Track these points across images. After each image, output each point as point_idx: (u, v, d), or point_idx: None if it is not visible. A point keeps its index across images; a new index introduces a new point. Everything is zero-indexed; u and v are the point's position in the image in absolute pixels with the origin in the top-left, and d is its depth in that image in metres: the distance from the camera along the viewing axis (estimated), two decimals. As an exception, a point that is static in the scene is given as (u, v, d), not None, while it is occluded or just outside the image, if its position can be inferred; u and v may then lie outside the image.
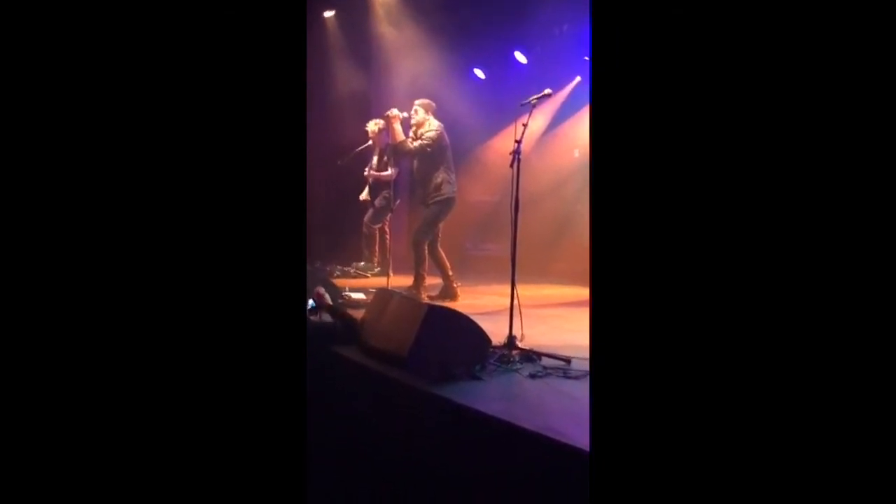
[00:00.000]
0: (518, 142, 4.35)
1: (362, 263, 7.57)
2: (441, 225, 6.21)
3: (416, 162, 6.19)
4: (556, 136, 8.82)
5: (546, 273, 7.81)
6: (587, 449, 2.53)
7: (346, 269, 7.41)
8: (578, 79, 8.23)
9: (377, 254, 7.62)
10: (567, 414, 3.03)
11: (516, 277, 4.31)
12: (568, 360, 3.90)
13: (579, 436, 2.65)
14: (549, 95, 4.67)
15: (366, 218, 7.62)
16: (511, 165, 4.34)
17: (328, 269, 7.24)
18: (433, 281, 6.35)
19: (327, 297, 5.06)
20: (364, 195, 7.57)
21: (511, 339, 4.08)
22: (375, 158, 7.41)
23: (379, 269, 7.39)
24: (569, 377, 3.67)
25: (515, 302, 4.19)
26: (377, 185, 7.40)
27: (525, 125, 4.40)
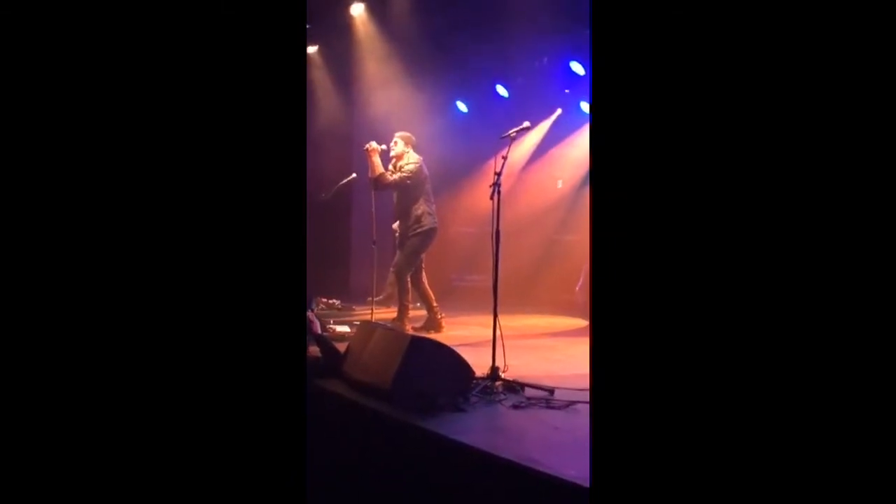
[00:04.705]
0: (498, 174, 4.39)
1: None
2: (423, 256, 6.23)
3: (396, 195, 6.23)
4: (539, 168, 8.91)
5: (530, 303, 7.84)
6: (568, 479, 2.55)
7: (330, 301, 7.39)
8: (559, 111, 8.33)
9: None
10: (549, 444, 3.03)
11: (500, 308, 4.32)
12: (551, 391, 3.90)
13: (560, 466, 2.65)
14: (527, 129, 4.73)
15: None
16: (491, 197, 4.38)
17: (312, 303, 7.19)
18: (418, 313, 6.35)
19: (317, 323, 5.03)
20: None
21: (494, 369, 4.08)
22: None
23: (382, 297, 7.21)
24: (552, 407, 3.66)
25: (498, 333, 4.20)
26: None
27: (505, 157, 4.45)
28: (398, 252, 6.28)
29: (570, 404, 3.66)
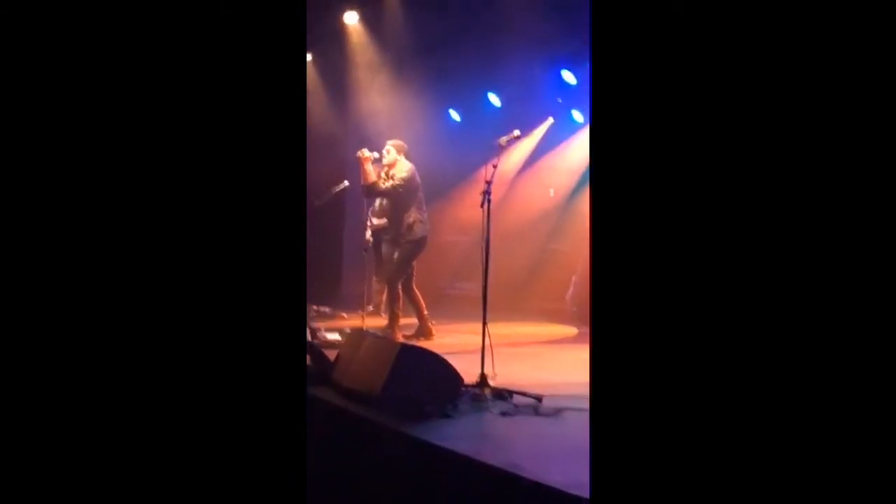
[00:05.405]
0: (488, 182, 4.43)
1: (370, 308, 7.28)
2: (414, 264, 6.25)
3: (387, 202, 6.24)
4: (530, 176, 8.97)
5: (520, 311, 7.86)
6: (554, 486, 2.56)
7: (321, 309, 7.40)
8: (551, 120, 8.37)
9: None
10: (536, 451, 3.05)
11: (490, 316, 4.34)
12: (539, 398, 3.92)
13: (547, 473, 2.67)
14: (518, 137, 4.75)
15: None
16: (482, 206, 4.41)
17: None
18: (409, 320, 6.37)
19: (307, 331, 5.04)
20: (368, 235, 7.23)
21: (483, 377, 4.10)
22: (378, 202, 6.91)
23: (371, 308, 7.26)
24: (540, 415, 3.68)
25: (487, 340, 4.22)
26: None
27: (495, 166, 4.48)
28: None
29: (558, 412, 3.69)
